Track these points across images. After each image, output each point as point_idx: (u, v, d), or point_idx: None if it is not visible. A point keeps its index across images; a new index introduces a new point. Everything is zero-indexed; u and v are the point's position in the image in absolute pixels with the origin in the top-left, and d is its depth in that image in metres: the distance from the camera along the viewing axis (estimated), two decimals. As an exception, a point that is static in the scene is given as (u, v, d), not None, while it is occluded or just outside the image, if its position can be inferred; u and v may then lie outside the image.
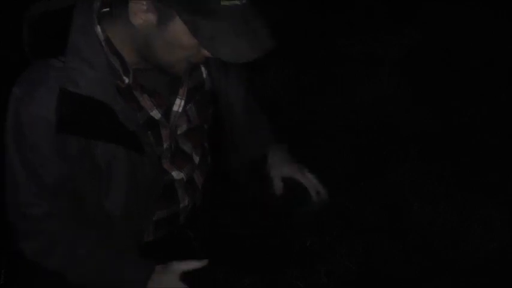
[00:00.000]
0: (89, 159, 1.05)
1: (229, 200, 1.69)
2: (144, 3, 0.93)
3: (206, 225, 1.51)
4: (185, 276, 1.20)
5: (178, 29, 0.93)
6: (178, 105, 1.15)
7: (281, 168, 1.45)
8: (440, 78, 3.02)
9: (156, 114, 1.11)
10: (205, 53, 0.98)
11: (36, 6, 1.06)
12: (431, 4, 3.48)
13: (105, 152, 1.05)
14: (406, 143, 2.60)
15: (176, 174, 1.22)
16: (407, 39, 3.26)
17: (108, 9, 1.02)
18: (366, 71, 3.04)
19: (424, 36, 3.29)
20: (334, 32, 3.29)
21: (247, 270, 1.94)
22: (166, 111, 1.14)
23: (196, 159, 1.26)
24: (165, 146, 1.16)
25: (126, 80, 1.04)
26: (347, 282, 2.03)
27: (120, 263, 1.19)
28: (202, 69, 1.19)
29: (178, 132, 1.19)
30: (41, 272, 1.27)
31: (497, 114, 2.79)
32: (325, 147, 2.57)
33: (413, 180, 2.43)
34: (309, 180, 1.45)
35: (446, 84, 2.98)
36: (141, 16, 0.95)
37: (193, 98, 1.17)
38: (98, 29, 1.01)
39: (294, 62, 3.07)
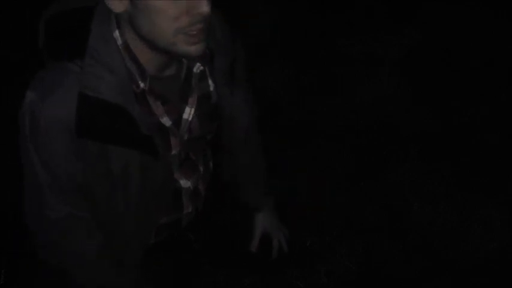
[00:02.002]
0: (104, 161, 1.05)
1: (229, 202, 1.69)
2: None
3: (206, 228, 1.51)
4: None
5: None
6: (188, 113, 1.15)
7: (263, 227, 1.57)
8: (440, 78, 3.02)
9: (166, 121, 1.11)
10: (192, 10, 0.92)
11: (53, 6, 1.05)
12: (431, 4, 3.47)
13: (120, 155, 1.05)
14: (406, 143, 2.60)
15: (184, 183, 1.23)
16: (407, 39, 3.26)
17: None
18: (366, 71, 3.04)
19: (424, 36, 3.29)
20: (334, 32, 3.29)
21: (247, 270, 1.94)
22: (177, 119, 1.14)
23: (201, 168, 1.27)
24: (173, 152, 1.16)
25: (142, 85, 1.03)
26: (347, 282, 2.03)
27: (120, 275, 1.22)
28: (210, 82, 1.18)
29: (183, 139, 1.19)
30: (41, 272, 1.27)
31: (497, 114, 2.79)
32: (325, 147, 2.57)
33: (413, 180, 2.43)
34: (276, 245, 1.59)
35: (446, 84, 2.98)
36: (118, 4, 0.95)
37: (201, 108, 1.17)
38: (117, 33, 1.01)
39: (294, 62, 3.07)
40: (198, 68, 1.13)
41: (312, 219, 2.23)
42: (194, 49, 0.97)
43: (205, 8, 0.91)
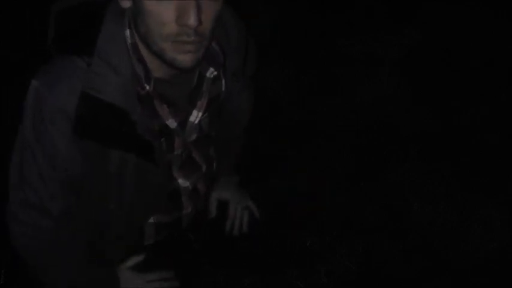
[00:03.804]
0: (102, 159, 1.04)
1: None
2: None
3: (206, 228, 1.51)
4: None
5: None
6: (195, 116, 1.14)
7: (222, 192, 1.50)
8: (440, 78, 3.02)
9: (171, 123, 1.10)
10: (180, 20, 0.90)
11: (65, 0, 1.05)
12: (431, 4, 3.48)
13: (117, 156, 1.04)
14: (406, 143, 2.60)
15: (182, 182, 1.22)
16: (407, 39, 3.26)
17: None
18: (366, 71, 3.04)
19: (424, 36, 3.29)
20: (334, 32, 3.29)
21: (247, 270, 1.94)
22: (183, 122, 1.13)
23: (204, 167, 1.26)
24: (176, 153, 1.16)
25: (147, 87, 1.03)
26: (347, 282, 2.03)
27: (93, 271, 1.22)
28: (222, 82, 1.17)
29: (188, 140, 1.19)
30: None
31: (497, 114, 2.79)
32: (325, 147, 2.57)
33: (413, 180, 2.43)
34: (232, 215, 1.49)
35: (446, 84, 2.98)
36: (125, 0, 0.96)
37: (209, 110, 1.17)
38: (127, 33, 1.00)
39: (294, 62, 3.07)
40: (211, 73, 1.12)
41: (312, 219, 2.23)
42: (181, 58, 0.94)
43: (191, 20, 0.88)
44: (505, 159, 2.50)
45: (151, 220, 1.26)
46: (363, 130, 2.69)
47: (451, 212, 2.28)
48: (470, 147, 2.59)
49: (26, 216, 1.09)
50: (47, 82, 0.98)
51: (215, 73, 1.12)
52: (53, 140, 1.00)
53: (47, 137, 1.00)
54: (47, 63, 1.02)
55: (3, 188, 1.13)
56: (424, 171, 2.46)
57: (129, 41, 1.00)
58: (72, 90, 0.97)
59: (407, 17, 3.43)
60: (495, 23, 3.32)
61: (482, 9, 3.36)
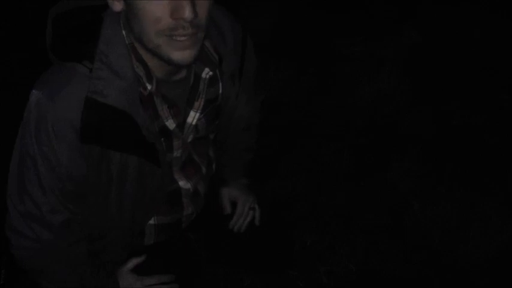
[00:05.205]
0: (104, 162, 1.04)
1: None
2: None
3: (206, 227, 1.51)
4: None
5: None
6: (193, 117, 1.15)
7: (232, 192, 1.52)
8: (440, 78, 3.02)
9: (170, 124, 1.11)
10: (176, 13, 0.90)
11: (60, 4, 1.05)
12: (431, 4, 3.48)
13: (120, 158, 1.04)
14: (406, 143, 2.60)
15: (184, 184, 1.23)
16: (407, 39, 3.26)
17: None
18: (366, 71, 3.04)
19: (424, 36, 3.29)
20: (334, 32, 3.29)
21: (247, 270, 1.94)
22: (181, 123, 1.14)
23: (204, 169, 1.27)
24: (175, 154, 1.16)
25: (149, 87, 1.03)
26: (347, 282, 2.03)
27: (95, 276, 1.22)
28: (219, 85, 1.18)
29: (186, 141, 1.19)
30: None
31: (497, 114, 2.79)
32: (325, 147, 2.57)
33: (413, 180, 2.43)
34: (239, 212, 1.52)
35: (446, 84, 2.98)
36: (116, 3, 0.96)
37: (206, 111, 1.17)
38: (124, 35, 1.00)
39: (294, 62, 3.07)
40: (206, 73, 1.12)
41: (312, 219, 2.23)
42: (178, 55, 0.95)
43: (187, 12, 0.89)
44: (505, 159, 2.50)
45: (151, 221, 1.27)
46: (363, 130, 2.69)
47: (451, 212, 2.28)
48: (470, 147, 2.59)
49: (26, 228, 1.09)
50: (49, 92, 0.98)
51: (210, 73, 1.13)
52: (56, 150, 1.00)
53: (51, 147, 1.00)
54: (46, 71, 1.02)
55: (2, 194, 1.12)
56: (424, 171, 2.46)
57: (126, 41, 1.00)
58: (75, 98, 0.97)
59: (407, 17, 3.43)
60: (495, 23, 3.32)
61: (482, 9, 3.36)
